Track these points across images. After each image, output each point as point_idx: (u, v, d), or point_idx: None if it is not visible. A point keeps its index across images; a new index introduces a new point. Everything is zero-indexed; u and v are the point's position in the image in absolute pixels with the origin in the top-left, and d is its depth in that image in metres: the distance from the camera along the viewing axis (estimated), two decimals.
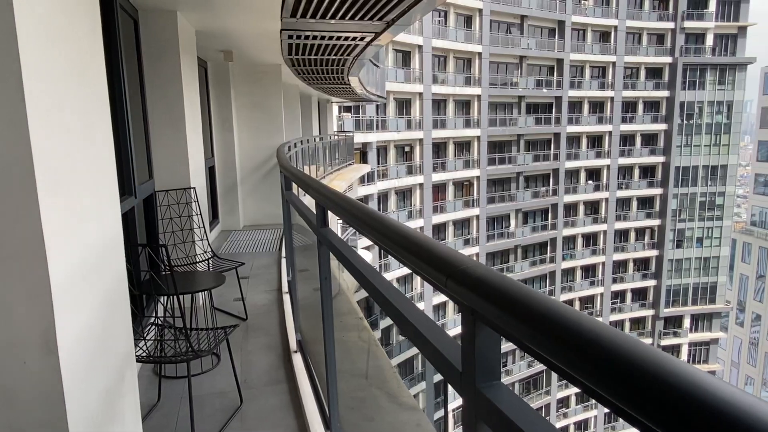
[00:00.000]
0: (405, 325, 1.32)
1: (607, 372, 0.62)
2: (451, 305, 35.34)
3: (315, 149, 12.97)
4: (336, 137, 17.99)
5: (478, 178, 36.43)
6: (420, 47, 32.09)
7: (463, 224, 36.81)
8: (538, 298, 0.81)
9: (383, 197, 31.82)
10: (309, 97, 16.80)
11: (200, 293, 4.54)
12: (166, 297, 3.86)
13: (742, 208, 57.23)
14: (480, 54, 35.34)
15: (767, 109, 46.44)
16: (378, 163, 30.93)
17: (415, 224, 33.03)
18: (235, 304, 5.62)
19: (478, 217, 36.68)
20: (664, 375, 0.55)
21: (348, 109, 30.02)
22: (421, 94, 32.60)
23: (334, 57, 7.64)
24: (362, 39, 6.14)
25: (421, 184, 33.20)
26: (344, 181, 15.79)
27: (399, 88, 31.41)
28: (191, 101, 6.17)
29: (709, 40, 42.21)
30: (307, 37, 6.12)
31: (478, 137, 36.12)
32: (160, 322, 3.60)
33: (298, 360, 4.13)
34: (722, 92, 42.37)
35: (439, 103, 34.64)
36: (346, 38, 6.19)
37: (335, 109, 28.57)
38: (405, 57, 32.55)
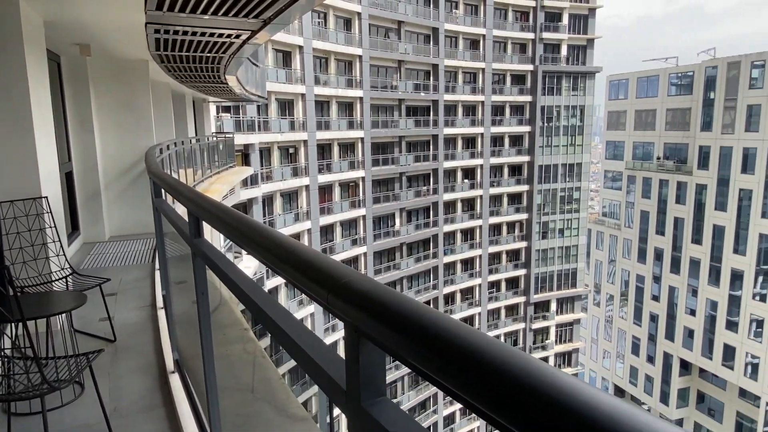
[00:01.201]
0: (287, 343, 1.24)
1: (487, 387, 0.62)
2: None
3: (191, 151, 12.22)
4: (215, 139, 17.13)
5: (363, 178, 36.96)
6: (301, 48, 31.75)
7: (350, 225, 37.12)
8: (422, 312, 0.79)
9: (268, 200, 31.02)
10: (182, 96, 15.81)
11: (57, 316, 4.03)
12: (12, 324, 3.36)
13: (595, 201, 64.51)
14: (360, 57, 35.86)
15: (612, 113, 52.83)
16: (261, 165, 30.07)
17: (302, 227, 32.64)
18: (102, 324, 5.08)
19: (364, 217, 37.22)
20: (548, 390, 0.57)
21: (227, 109, 28.79)
22: (303, 95, 32.27)
23: (208, 54, 7.22)
24: (238, 36, 5.87)
25: (307, 186, 32.89)
26: (225, 184, 15.10)
27: (281, 88, 30.81)
28: (40, 100, 5.46)
29: (564, 51, 46.94)
30: (176, 33, 5.70)
31: (362, 139, 36.64)
32: (4, 354, 3.12)
33: (176, 381, 3.83)
34: (576, 97, 47.34)
35: (322, 105, 34.57)
36: (220, 35, 5.87)
37: (213, 109, 27.25)
38: (286, 57, 32.01)
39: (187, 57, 7.43)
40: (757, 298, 39.04)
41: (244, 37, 5.90)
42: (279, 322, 1.32)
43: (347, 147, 36.75)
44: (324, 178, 34.03)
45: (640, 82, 49.25)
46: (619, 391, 54.58)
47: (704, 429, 47.21)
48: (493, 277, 46.88)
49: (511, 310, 49.41)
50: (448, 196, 42.98)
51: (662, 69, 46.95)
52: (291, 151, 32.80)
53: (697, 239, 43.69)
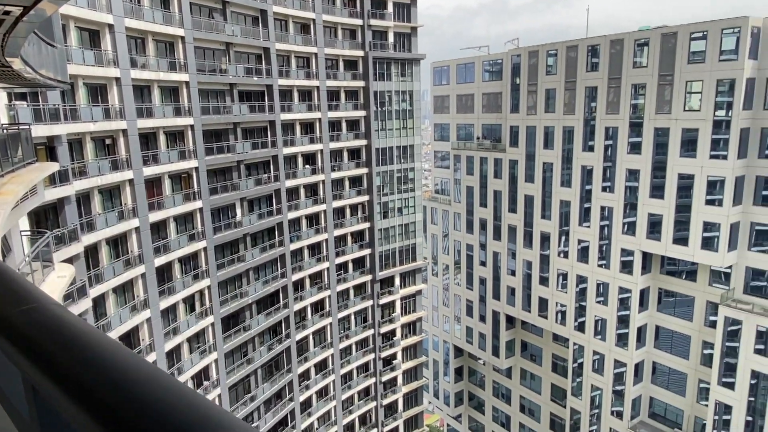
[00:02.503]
0: None
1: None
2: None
3: None
4: (3, 131, 14.62)
5: (196, 168, 34.74)
6: (111, 26, 28.42)
7: (185, 219, 34.76)
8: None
9: (84, 198, 27.53)
10: None
11: None
12: None
13: (428, 180, 69.29)
14: (183, 38, 33.35)
15: (438, 98, 56.93)
16: (72, 160, 26.50)
17: (128, 225, 29.67)
18: None
19: (201, 209, 35.14)
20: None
21: (22, 96, 24.70)
22: (118, 78, 29.03)
23: None
24: (7, 13, 5.02)
25: (131, 180, 29.87)
26: (22, 185, 12.97)
27: (89, 71, 27.31)
28: None
29: (391, 38, 49.03)
30: None
31: (192, 126, 34.31)
32: None
33: None
34: (404, 83, 49.93)
35: (142, 90, 31.51)
36: None
37: (2, 96, 23.21)
38: (93, 36, 28.39)
39: None
40: (561, 255, 45.72)
41: (15, 12, 5.07)
42: None
43: (175, 135, 34.15)
44: (151, 171, 31.23)
45: (459, 69, 53.71)
46: (458, 350, 60.17)
47: (528, 373, 54.34)
48: (340, 260, 47.88)
49: (359, 289, 51.11)
50: (290, 183, 42.56)
51: (477, 57, 51.72)
52: (108, 142, 29.43)
53: (513, 208, 49.55)
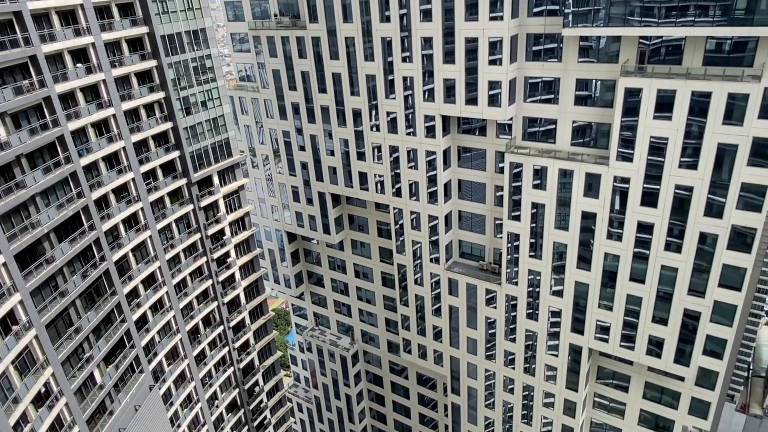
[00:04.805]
0: None
1: None
2: None
3: None
4: None
5: None
6: None
7: None
8: None
9: None
10: None
11: None
12: None
13: (231, 67, 64.19)
14: None
15: None
16: None
17: None
18: None
19: None
20: None
21: None
22: None
23: None
24: None
25: None
26: None
27: None
28: None
29: None
30: None
31: None
32: None
33: None
34: None
35: None
36: None
37: None
38: None
39: None
40: (374, 129, 47.64)
41: None
42: None
43: None
44: None
45: None
46: (291, 236, 61.80)
47: (358, 242, 58.53)
48: (146, 167, 43.60)
49: (176, 195, 47.88)
50: (61, 88, 35.94)
51: None
52: None
53: (322, 88, 49.14)
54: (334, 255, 61.58)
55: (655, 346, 40.83)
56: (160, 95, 44.05)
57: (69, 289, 36.33)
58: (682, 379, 42.50)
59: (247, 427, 61.48)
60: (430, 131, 44.29)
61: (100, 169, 39.85)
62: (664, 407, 44.96)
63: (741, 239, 34.66)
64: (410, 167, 46.97)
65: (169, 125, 45.35)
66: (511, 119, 41.65)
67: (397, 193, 49.09)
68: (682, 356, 39.92)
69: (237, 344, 57.22)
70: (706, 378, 40.83)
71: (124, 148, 41.40)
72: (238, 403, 59.82)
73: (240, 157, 53.34)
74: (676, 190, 35.56)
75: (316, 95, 49.81)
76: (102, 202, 40.19)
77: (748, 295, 36.01)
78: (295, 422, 79.75)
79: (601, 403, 48.76)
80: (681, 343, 39.59)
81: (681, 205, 35.79)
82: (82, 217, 38.06)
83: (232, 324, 55.90)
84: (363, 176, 50.87)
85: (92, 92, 39.24)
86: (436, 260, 49.76)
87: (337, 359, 65.91)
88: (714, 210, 34.82)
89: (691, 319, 38.54)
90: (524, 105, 40.77)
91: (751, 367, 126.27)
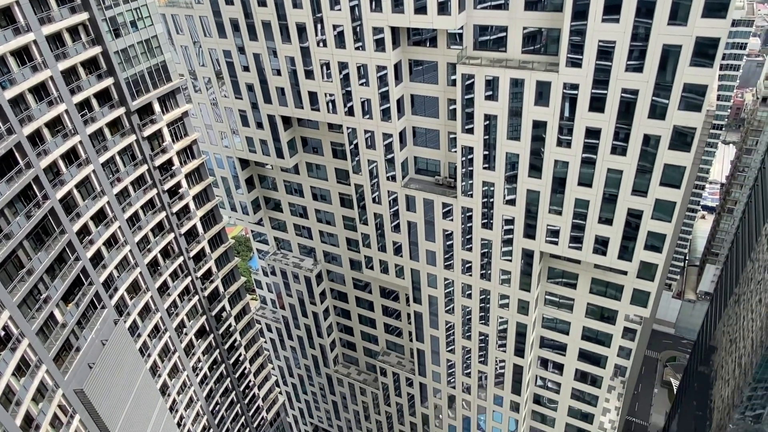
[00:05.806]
0: None
1: None
2: None
3: None
4: None
5: None
6: None
7: None
8: None
9: None
10: None
11: None
12: None
13: None
14: None
15: None
16: None
17: None
18: None
19: None
20: None
21: None
22: None
23: None
24: None
25: None
26: None
27: None
28: None
29: None
30: None
31: None
32: None
33: None
34: None
35: None
36: None
37: None
38: None
39: None
40: (321, 44, 45.47)
41: None
42: None
43: None
44: None
45: None
46: (244, 162, 60.32)
47: (313, 165, 57.85)
48: (78, 97, 40.70)
49: (116, 125, 45.32)
50: None
51: None
52: None
53: (262, 1, 45.87)
54: (290, 179, 60.85)
55: (601, 245, 43.44)
56: (83, 16, 40.24)
57: (14, 231, 34.86)
58: (625, 273, 45.80)
59: (218, 350, 63.24)
60: (380, 44, 42.73)
61: (28, 101, 36.97)
62: (609, 299, 48.73)
63: (681, 139, 36.16)
64: (361, 84, 45.68)
65: (98, 49, 41.92)
66: (461, 28, 40.52)
67: (350, 111, 48.04)
68: (626, 252, 42.75)
69: (199, 273, 57.31)
70: (646, 270, 44.13)
71: (51, 77, 38.26)
72: (207, 328, 60.98)
73: (180, 81, 50.40)
74: (623, 94, 36.23)
75: (255, 9, 46.62)
76: (36, 138, 37.70)
77: (687, 192, 38.27)
78: (265, 341, 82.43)
79: (551, 300, 52.34)
80: (624, 240, 42.23)
81: (627, 108, 36.64)
82: (17, 154, 35.76)
83: (192, 254, 55.60)
84: (313, 96, 49.27)
85: (6, 17, 35.42)
86: (393, 178, 50.00)
87: (301, 280, 67.29)
88: (657, 112, 35.88)
89: (634, 218, 40.89)
90: (474, 12, 39.57)
91: (687, 258, 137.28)
